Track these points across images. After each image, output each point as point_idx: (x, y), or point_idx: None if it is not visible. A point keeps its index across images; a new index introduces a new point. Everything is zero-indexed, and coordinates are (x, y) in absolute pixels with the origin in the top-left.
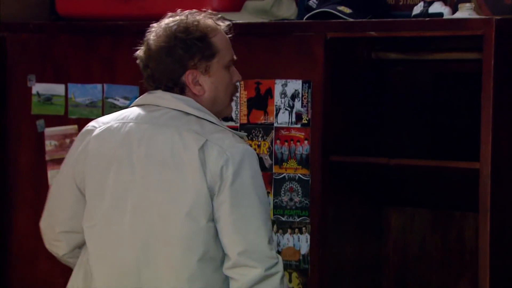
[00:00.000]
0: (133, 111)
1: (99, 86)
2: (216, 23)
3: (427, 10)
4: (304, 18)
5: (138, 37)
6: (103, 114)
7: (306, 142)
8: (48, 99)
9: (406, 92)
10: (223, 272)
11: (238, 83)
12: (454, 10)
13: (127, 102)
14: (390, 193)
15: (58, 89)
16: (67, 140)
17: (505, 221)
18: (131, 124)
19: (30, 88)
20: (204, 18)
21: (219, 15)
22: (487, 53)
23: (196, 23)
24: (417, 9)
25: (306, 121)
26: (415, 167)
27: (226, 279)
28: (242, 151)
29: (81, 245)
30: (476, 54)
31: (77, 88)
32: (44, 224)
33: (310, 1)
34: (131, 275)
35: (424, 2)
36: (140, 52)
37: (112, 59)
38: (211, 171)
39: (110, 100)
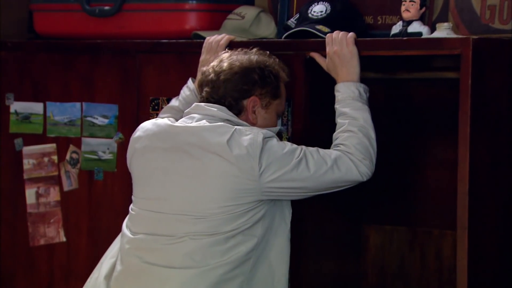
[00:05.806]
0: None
1: (77, 104)
2: (286, 76)
3: (406, 29)
4: (283, 37)
5: (117, 56)
6: (81, 133)
7: None
8: (26, 118)
9: (384, 110)
10: None
11: None
12: (433, 29)
13: (106, 120)
14: (369, 210)
15: (36, 107)
16: (45, 159)
17: (483, 239)
18: None
19: (8, 107)
20: (279, 64)
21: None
22: (464, 72)
23: (275, 62)
24: (396, 28)
25: (286, 140)
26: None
27: None
28: None
29: None
30: (455, 73)
31: (55, 106)
32: None
33: (289, 21)
34: None
35: (403, 22)
36: (210, 65)
37: (91, 78)
38: None
39: (88, 118)
